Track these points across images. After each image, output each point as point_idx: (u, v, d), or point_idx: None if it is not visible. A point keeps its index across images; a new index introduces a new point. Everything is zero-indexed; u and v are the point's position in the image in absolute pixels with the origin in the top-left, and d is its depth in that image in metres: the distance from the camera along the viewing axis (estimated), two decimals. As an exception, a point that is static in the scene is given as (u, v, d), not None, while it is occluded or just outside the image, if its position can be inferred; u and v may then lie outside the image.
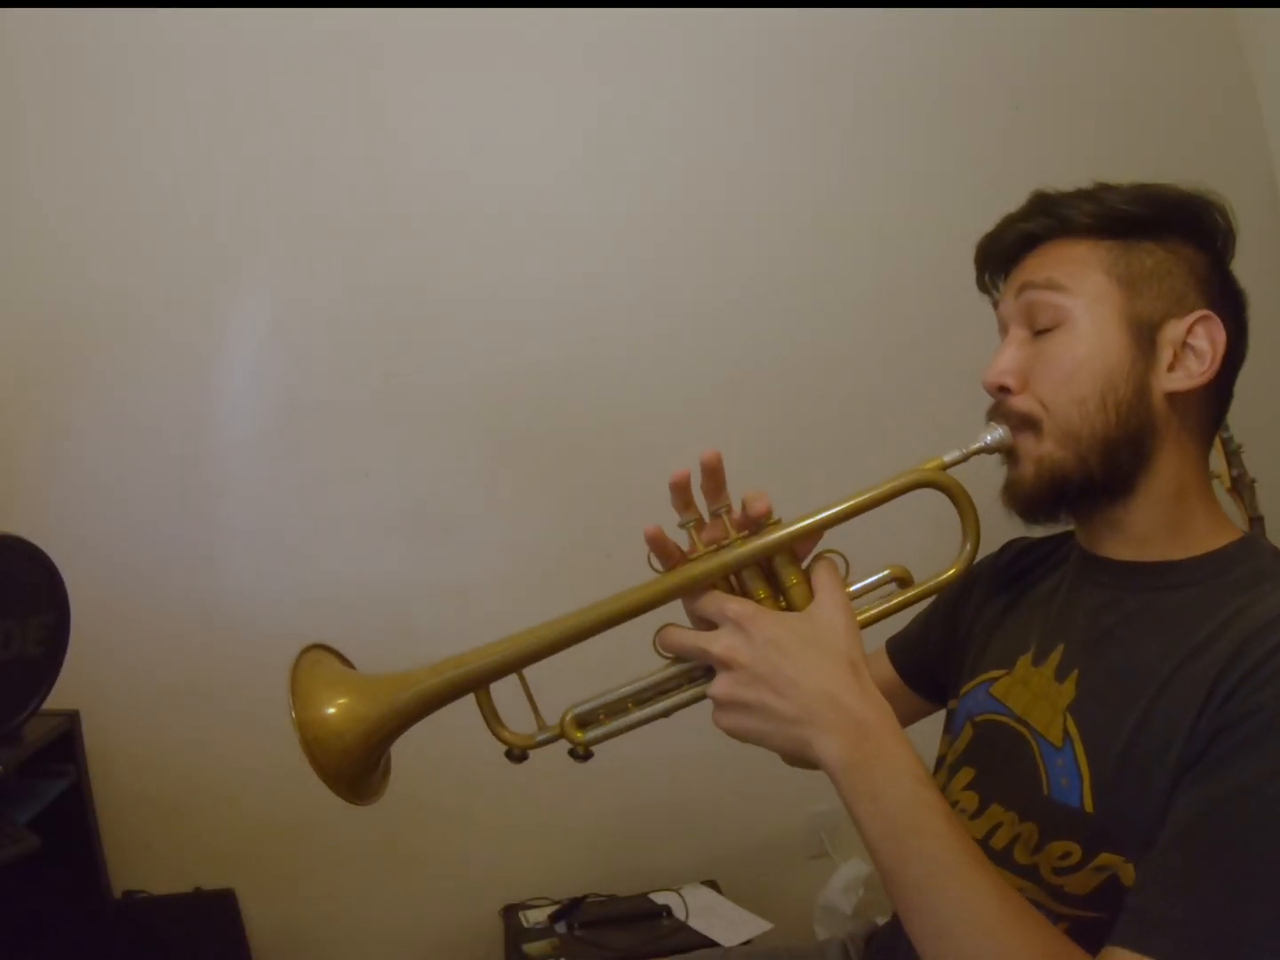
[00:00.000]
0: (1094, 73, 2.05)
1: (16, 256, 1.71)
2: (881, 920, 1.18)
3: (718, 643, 0.71)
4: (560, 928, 1.69)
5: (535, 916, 1.74)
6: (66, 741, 1.52)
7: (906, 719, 1.04)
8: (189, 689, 1.74)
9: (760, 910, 1.71)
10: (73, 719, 1.54)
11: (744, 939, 1.62)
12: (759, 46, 1.94)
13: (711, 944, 1.60)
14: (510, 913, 1.77)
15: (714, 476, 0.76)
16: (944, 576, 0.80)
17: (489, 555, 1.85)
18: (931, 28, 1.99)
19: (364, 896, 1.79)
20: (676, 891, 1.77)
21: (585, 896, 1.78)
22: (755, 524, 0.76)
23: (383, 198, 1.82)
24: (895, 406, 1.96)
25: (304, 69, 1.78)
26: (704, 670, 0.76)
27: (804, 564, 0.77)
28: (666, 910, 1.72)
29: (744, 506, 0.76)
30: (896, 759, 0.68)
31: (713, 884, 1.84)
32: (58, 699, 1.42)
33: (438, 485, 1.84)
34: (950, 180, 1.98)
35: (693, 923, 1.68)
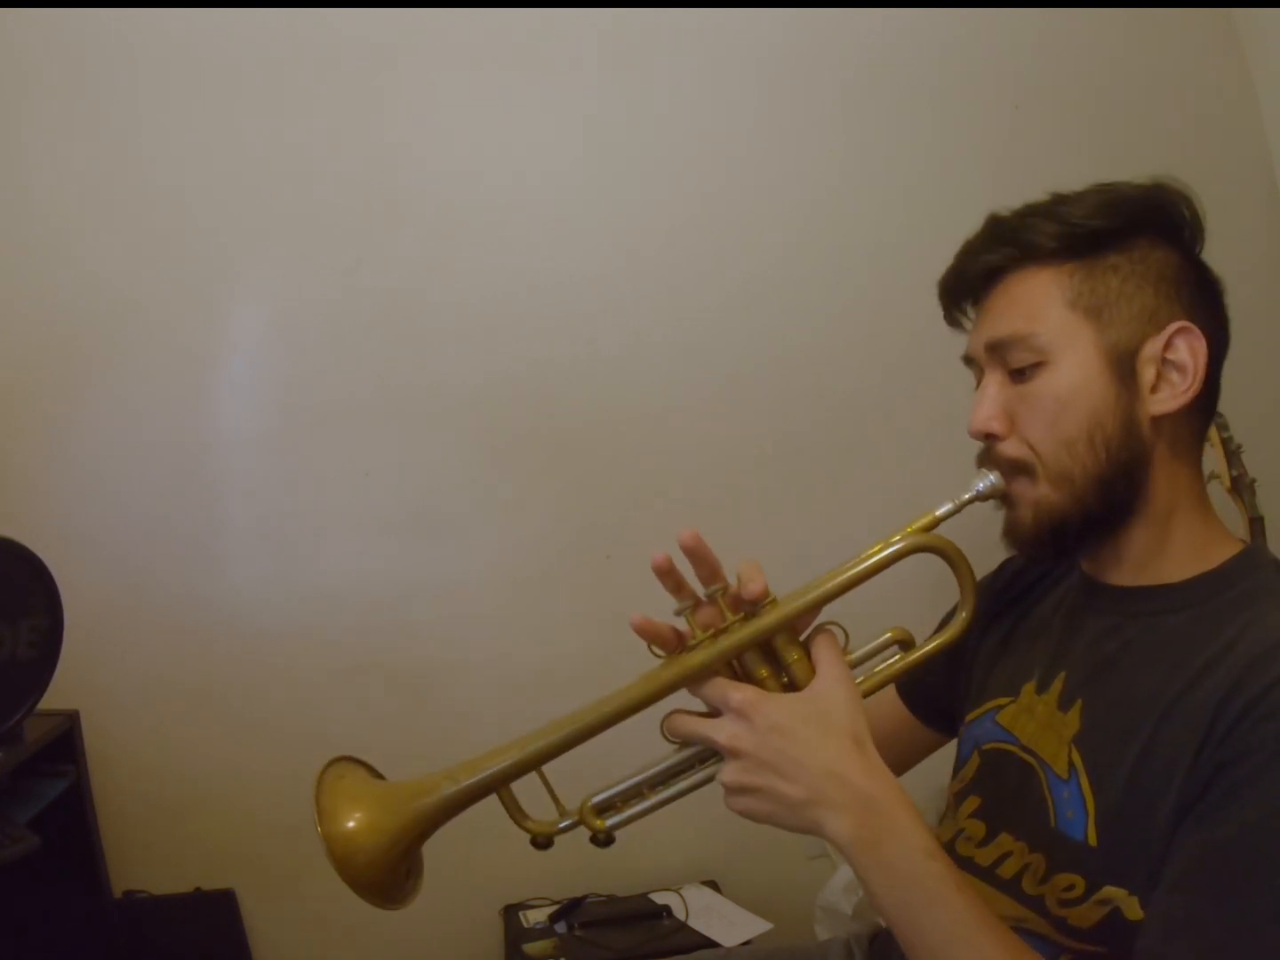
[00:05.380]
0: (1094, 73, 2.04)
1: (17, 256, 1.71)
2: (883, 921, 1.18)
3: (722, 731, 0.72)
4: (560, 928, 1.69)
5: (535, 916, 1.74)
6: (66, 741, 1.52)
7: (919, 754, 1.04)
8: (189, 689, 1.74)
9: (760, 910, 1.71)
10: (73, 719, 1.54)
11: (744, 939, 1.62)
12: (759, 46, 1.93)
13: (711, 944, 1.60)
14: (510, 913, 1.77)
15: (699, 559, 0.75)
16: (940, 641, 0.80)
17: (489, 555, 1.85)
18: (931, 27, 1.98)
19: (364, 896, 1.79)
20: (676, 891, 1.77)
21: (585, 896, 1.77)
22: (751, 604, 0.75)
23: (382, 198, 1.82)
24: (895, 407, 1.96)
25: (304, 70, 1.78)
26: (713, 751, 0.76)
27: (803, 636, 0.77)
28: (666, 910, 1.72)
29: (739, 584, 0.75)
30: (906, 833, 0.69)
31: (713, 884, 1.84)
32: (58, 699, 1.42)
33: (438, 485, 1.84)
34: (951, 180, 1.97)
35: (693, 923, 1.68)
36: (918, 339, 1.94)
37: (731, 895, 1.79)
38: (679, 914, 1.71)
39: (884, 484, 1.89)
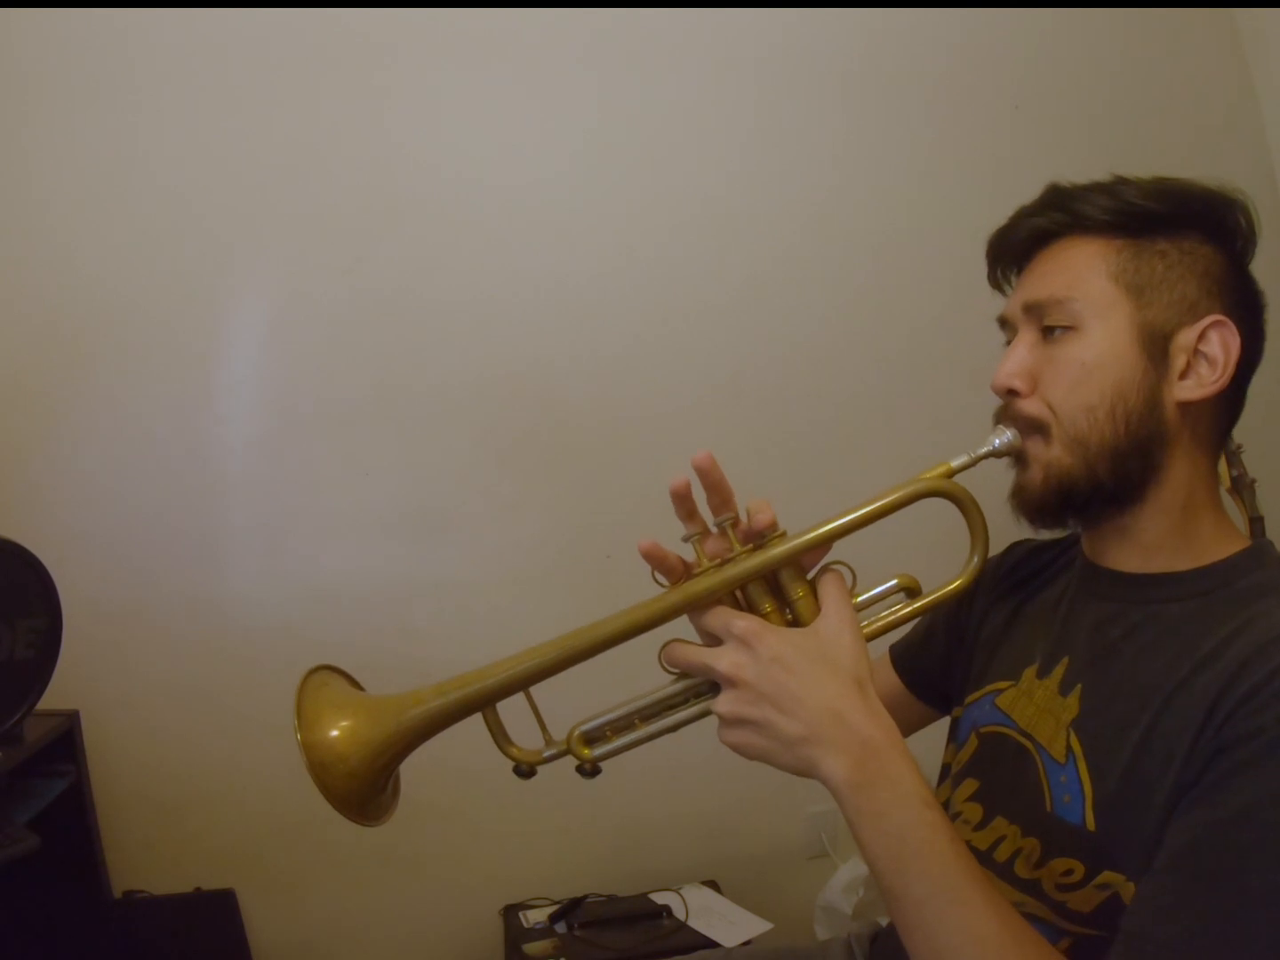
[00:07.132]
0: (1094, 73, 2.05)
1: (17, 256, 1.71)
2: (884, 920, 1.18)
3: (723, 660, 0.71)
4: (560, 928, 1.69)
5: (535, 916, 1.74)
6: (66, 741, 1.52)
7: (911, 727, 1.03)
8: (189, 689, 1.74)
9: (760, 910, 1.71)
10: (73, 719, 1.53)
11: (744, 939, 1.62)
12: (759, 46, 1.94)
13: (711, 944, 1.60)
14: (510, 913, 1.77)
15: (712, 481, 0.75)
16: (950, 588, 0.79)
17: (489, 555, 1.85)
18: (932, 27, 1.99)
19: (364, 896, 1.79)
20: (676, 891, 1.78)
21: (585, 896, 1.78)
22: (760, 536, 0.75)
23: (383, 197, 1.82)
24: (896, 406, 1.96)
25: (304, 69, 1.78)
26: (710, 685, 0.75)
27: (810, 575, 0.76)
28: (666, 910, 1.72)
29: (748, 517, 0.75)
30: (902, 780, 0.67)
31: (713, 884, 1.84)
32: (58, 699, 1.41)
33: (437, 485, 1.84)
34: (951, 179, 1.97)
35: (693, 923, 1.68)
36: (918, 338, 1.95)
37: (731, 895, 1.79)
38: (679, 914, 1.71)
39: (884, 484, 1.88)
